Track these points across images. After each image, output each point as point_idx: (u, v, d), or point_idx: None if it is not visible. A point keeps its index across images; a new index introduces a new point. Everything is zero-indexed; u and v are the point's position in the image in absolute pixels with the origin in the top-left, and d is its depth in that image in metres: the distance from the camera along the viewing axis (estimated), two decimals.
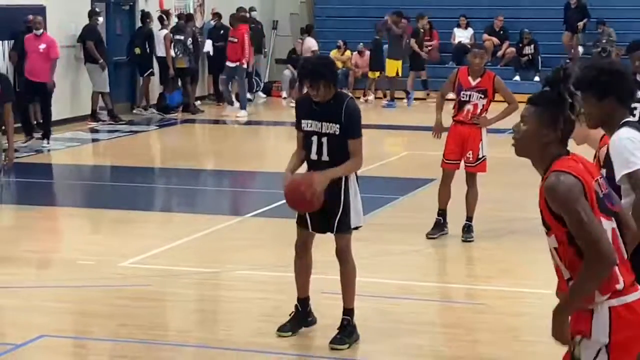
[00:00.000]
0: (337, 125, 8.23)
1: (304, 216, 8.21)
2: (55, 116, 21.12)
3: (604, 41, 25.80)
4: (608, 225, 4.97)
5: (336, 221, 8.19)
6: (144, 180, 17.78)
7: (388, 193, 13.53)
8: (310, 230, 8.27)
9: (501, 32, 27.98)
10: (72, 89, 22.55)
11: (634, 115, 11.16)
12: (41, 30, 19.40)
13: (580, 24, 26.48)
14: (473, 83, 11.64)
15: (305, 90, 8.52)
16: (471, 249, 11.77)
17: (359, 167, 8.22)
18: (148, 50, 24.29)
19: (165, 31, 24.10)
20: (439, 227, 11.75)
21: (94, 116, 22.65)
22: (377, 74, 26.85)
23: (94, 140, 21.57)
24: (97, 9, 22.78)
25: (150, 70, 24.42)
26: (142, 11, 24.84)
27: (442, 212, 11.80)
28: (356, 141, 8.21)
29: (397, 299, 9.81)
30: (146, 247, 11.47)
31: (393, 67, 26.15)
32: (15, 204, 14.91)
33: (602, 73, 5.75)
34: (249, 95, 25.26)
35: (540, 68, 26.84)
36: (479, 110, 11.66)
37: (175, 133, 23.36)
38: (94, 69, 22.13)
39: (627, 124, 5.76)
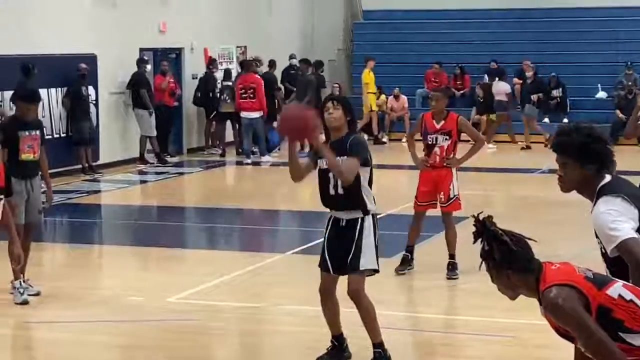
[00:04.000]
0: (344, 157, 8.20)
1: (325, 258, 8.19)
2: (105, 159, 21.30)
3: (629, 83, 25.67)
4: None
5: (348, 261, 8.12)
6: (189, 219, 17.92)
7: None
8: (331, 272, 8.21)
9: (535, 75, 27.85)
10: (122, 133, 22.64)
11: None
12: None
13: None
14: (437, 126, 11.56)
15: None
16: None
17: (344, 179, 8.02)
18: (211, 95, 24.44)
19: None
20: (407, 262, 11.66)
21: (142, 159, 22.77)
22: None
23: (142, 181, 21.71)
24: (145, 57, 22.92)
25: (215, 112, 24.47)
26: (210, 57, 25.19)
27: (410, 249, 11.72)
28: (353, 159, 8.11)
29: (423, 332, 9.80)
30: (192, 284, 11.47)
31: None
32: (67, 242, 15.05)
33: (590, 139, 5.58)
34: None
35: (568, 110, 26.70)
36: (445, 153, 11.59)
37: (221, 174, 23.42)
38: (141, 114, 22.23)
39: (603, 191, 5.51)
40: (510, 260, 5.14)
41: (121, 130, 22.58)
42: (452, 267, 11.55)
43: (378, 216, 8.57)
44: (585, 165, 5.53)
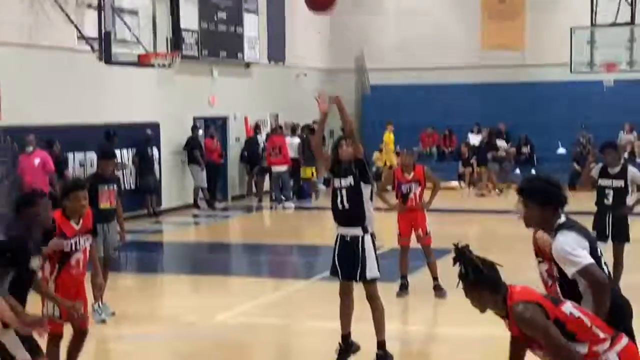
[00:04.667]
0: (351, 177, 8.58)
1: (336, 267, 8.52)
2: (166, 205, 21.54)
3: (584, 141, 25.68)
4: None
5: (357, 273, 8.40)
6: (233, 253, 18.27)
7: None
8: (340, 278, 8.56)
9: (505, 135, 27.96)
10: (179, 185, 22.81)
11: (607, 199, 11.16)
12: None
13: None
14: (409, 177, 11.72)
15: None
16: None
17: (351, 123, 8.98)
18: (255, 153, 24.62)
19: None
20: (404, 288, 11.75)
21: (195, 205, 22.93)
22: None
23: (195, 223, 21.93)
24: (197, 124, 23.18)
25: (258, 167, 24.49)
26: (256, 124, 25.43)
27: (404, 277, 11.83)
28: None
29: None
30: (236, 305, 11.69)
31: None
32: (136, 272, 15.23)
33: (548, 186, 5.74)
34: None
35: (535, 163, 26.88)
36: (417, 198, 11.76)
37: (258, 217, 23.42)
38: (195, 170, 22.43)
39: (561, 227, 5.62)
40: (481, 281, 5.23)
41: (179, 182, 22.76)
42: (438, 288, 11.58)
43: (379, 250, 8.89)
44: (544, 206, 5.66)
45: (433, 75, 29.69)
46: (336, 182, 8.73)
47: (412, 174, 11.75)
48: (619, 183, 11.07)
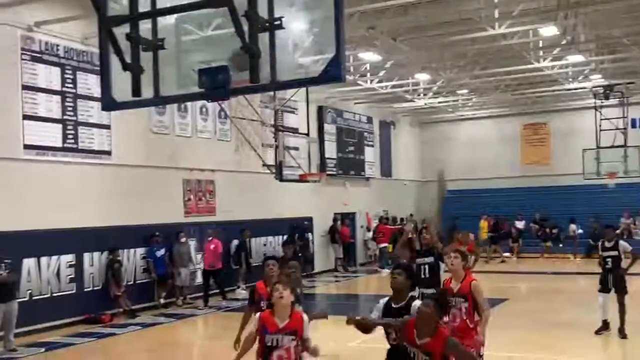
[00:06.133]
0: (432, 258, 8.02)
1: None
2: (318, 269, 21.62)
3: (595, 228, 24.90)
4: None
5: None
6: (361, 301, 17.70)
7: None
8: None
9: (541, 221, 27.41)
10: (325, 256, 22.63)
11: (608, 264, 10.87)
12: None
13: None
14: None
15: None
16: None
17: None
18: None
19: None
20: None
21: (336, 269, 22.89)
22: None
23: (336, 281, 21.49)
24: (336, 217, 23.33)
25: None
26: (370, 218, 25.21)
27: None
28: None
29: None
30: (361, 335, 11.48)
31: None
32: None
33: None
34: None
35: (561, 241, 26.08)
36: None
37: (376, 277, 22.65)
38: (335, 246, 22.67)
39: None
40: (442, 312, 4.77)
41: (324, 254, 22.81)
42: None
43: None
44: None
45: (490, 182, 29.48)
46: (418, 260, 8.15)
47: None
48: (614, 252, 10.96)
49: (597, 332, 10.80)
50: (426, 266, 8.20)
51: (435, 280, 8.00)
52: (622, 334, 10.60)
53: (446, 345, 4.54)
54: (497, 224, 26.80)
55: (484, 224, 26.43)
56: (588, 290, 12.85)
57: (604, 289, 10.85)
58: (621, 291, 10.86)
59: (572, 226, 25.94)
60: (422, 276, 8.06)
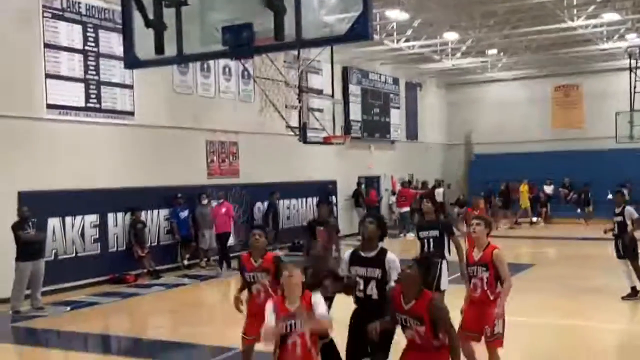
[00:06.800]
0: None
1: None
2: (344, 233, 21.63)
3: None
4: None
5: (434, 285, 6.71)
6: None
7: None
8: None
9: (569, 186, 27.15)
10: (349, 218, 22.31)
11: (614, 230, 10.42)
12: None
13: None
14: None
15: None
16: None
17: None
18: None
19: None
20: None
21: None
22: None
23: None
24: (360, 181, 23.27)
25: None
26: (395, 181, 25.04)
27: None
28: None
29: None
30: None
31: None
32: None
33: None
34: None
35: (590, 205, 25.67)
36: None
37: (404, 240, 23.09)
38: (359, 210, 22.50)
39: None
40: (426, 274, 4.74)
41: (349, 217, 22.74)
42: None
43: None
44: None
45: (519, 147, 29.12)
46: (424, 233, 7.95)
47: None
48: (620, 218, 10.87)
49: (624, 298, 10.78)
50: (430, 239, 7.84)
51: (440, 254, 7.63)
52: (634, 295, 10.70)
53: (430, 305, 4.55)
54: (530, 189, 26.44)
55: (524, 188, 25.95)
56: None
57: (618, 255, 10.89)
58: (630, 256, 10.83)
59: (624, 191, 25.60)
60: (427, 249, 7.78)
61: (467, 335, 5.84)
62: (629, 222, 10.78)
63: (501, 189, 26.43)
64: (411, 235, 22.48)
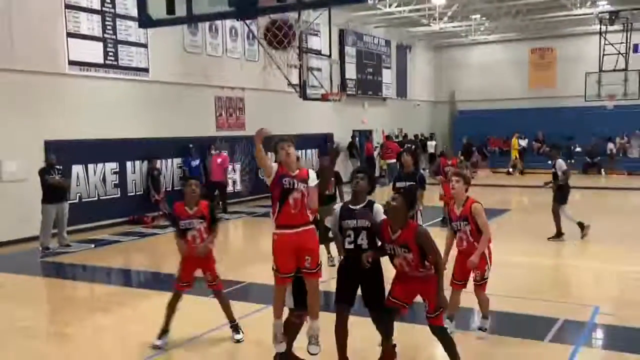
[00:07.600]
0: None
1: None
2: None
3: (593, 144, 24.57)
4: None
5: None
6: None
7: None
8: None
9: (542, 140, 27.07)
10: (345, 170, 22.19)
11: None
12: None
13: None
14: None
15: None
16: None
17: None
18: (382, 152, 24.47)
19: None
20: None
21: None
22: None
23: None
24: (354, 134, 23.19)
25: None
26: (386, 135, 24.23)
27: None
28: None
29: None
30: None
31: None
32: None
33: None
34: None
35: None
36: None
37: (387, 189, 23.22)
38: (354, 160, 22.34)
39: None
40: (410, 207, 4.70)
41: (344, 167, 21.83)
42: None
43: None
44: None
45: (499, 104, 28.93)
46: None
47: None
48: (553, 170, 11.01)
49: (550, 239, 10.95)
50: (403, 190, 7.48)
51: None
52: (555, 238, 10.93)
53: (416, 233, 4.56)
54: (505, 143, 26.30)
55: (515, 141, 25.99)
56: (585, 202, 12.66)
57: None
58: (557, 201, 11.02)
59: (610, 145, 25.60)
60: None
61: (456, 284, 5.79)
62: (559, 173, 10.86)
63: (464, 143, 26.09)
64: (403, 185, 22.50)
